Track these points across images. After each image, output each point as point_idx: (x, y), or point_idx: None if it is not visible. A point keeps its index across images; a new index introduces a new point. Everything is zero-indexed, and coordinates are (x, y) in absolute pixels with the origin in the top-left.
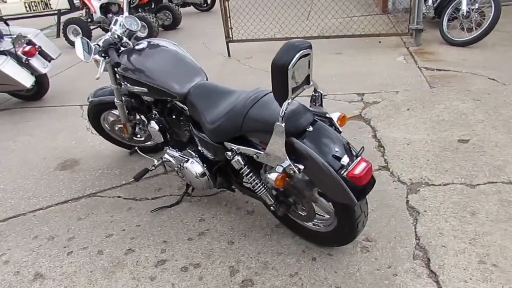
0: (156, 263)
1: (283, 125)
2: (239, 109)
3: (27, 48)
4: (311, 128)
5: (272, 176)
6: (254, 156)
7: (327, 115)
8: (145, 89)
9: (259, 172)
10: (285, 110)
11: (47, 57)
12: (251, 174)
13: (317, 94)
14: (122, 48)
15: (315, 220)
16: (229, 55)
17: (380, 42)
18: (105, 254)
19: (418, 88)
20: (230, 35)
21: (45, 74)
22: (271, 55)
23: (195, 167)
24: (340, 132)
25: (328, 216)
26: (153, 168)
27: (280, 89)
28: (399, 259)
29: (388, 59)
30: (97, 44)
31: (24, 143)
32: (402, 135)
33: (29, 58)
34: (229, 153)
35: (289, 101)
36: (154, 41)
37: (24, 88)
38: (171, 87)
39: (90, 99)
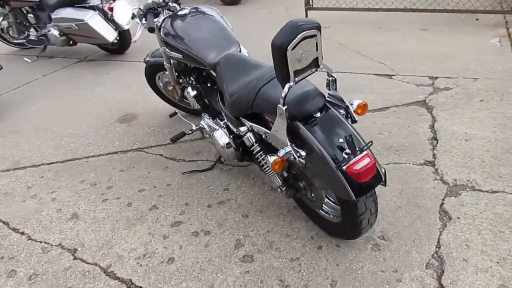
0: (173, 223)
1: (284, 108)
2: (252, 86)
3: (113, 4)
4: (318, 114)
5: (271, 159)
6: (264, 136)
7: (345, 102)
8: (180, 56)
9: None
10: (287, 93)
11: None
12: (261, 152)
13: (331, 79)
14: (168, 12)
15: (326, 208)
16: None
17: (477, 19)
18: (133, 207)
19: (503, 77)
20: (310, 2)
21: (127, 30)
22: (350, 26)
23: (222, 137)
24: (355, 121)
25: (338, 207)
26: (190, 132)
27: (280, 71)
28: (409, 264)
29: (479, 40)
30: (139, 8)
31: (98, 93)
32: (463, 129)
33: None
34: (242, 129)
35: (291, 83)
36: (198, 7)
37: (107, 42)
38: (204, 56)
39: (146, 59)
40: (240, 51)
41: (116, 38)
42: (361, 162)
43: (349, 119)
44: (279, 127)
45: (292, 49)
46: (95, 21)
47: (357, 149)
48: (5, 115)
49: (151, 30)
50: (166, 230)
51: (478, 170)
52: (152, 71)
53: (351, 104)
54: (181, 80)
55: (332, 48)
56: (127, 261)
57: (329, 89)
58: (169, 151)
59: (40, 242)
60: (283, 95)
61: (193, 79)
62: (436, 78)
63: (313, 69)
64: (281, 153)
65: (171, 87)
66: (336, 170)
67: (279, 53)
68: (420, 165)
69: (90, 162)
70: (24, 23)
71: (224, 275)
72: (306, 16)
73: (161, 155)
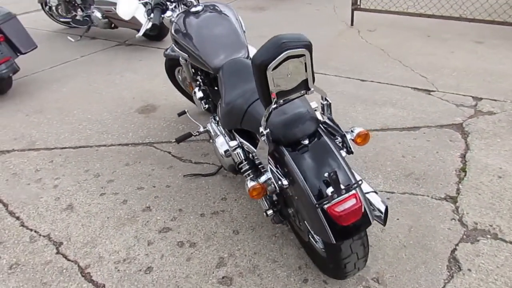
0: (162, 229)
1: (265, 131)
2: (246, 99)
3: None
4: (306, 141)
5: (249, 184)
6: (251, 155)
7: (341, 130)
8: (186, 55)
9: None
10: (267, 115)
11: None
12: (249, 172)
13: (325, 103)
14: (183, 7)
15: (317, 238)
16: (351, 24)
17: None
18: (127, 205)
19: None
20: (358, 2)
21: None
22: (397, 31)
23: (223, 145)
24: (351, 152)
25: None
26: (197, 134)
27: (261, 92)
28: None
29: None
30: (148, 2)
31: (126, 80)
32: (498, 164)
33: None
34: (231, 143)
35: (273, 106)
36: (215, 5)
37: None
38: (208, 59)
39: (166, 52)
40: (248, 57)
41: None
42: (344, 204)
43: (345, 149)
44: (261, 151)
45: (274, 68)
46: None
47: (342, 187)
48: (36, 94)
49: (155, 26)
50: (153, 236)
51: (506, 215)
52: (172, 64)
53: (352, 131)
54: (197, 77)
55: (372, 54)
56: (106, 264)
57: (323, 115)
58: (178, 149)
59: (31, 230)
60: (264, 117)
61: (200, 80)
62: (481, 99)
63: (302, 92)
64: (262, 179)
65: (188, 83)
66: (316, 208)
67: (259, 72)
68: (440, 200)
69: (99, 152)
70: (73, 2)
71: None
72: (352, 17)
73: (169, 152)
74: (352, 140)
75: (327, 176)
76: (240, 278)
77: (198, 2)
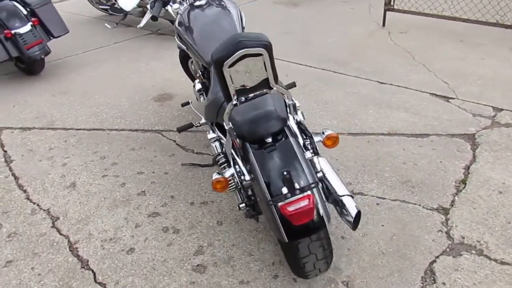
0: (151, 213)
1: (227, 127)
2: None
3: None
4: (270, 140)
5: (213, 177)
6: (224, 150)
7: (308, 132)
8: (184, 47)
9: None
10: (229, 112)
11: None
12: (224, 165)
13: (290, 103)
14: (190, 0)
15: None
16: (383, 24)
17: None
18: (124, 188)
19: None
20: (391, 3)
21: None
22: (429, 34)
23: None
24: (316, 154)
25: None
26: (198, 125)
27: (222, 88)
28: None
29: None
30: None
31: (150, 68)
32: (502, 178)
33: None
34: (210, 136)
35: (234, 102)
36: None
37: (171, 18)
38: (202, 52)
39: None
40: None
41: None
42: (296, 204)
43: (311, 151)
44: (227, 145)
45: (230, 66)
46: None
47: (297, 187)
48: (64, 76)
49: (153, 18)
50: (141, 219)
51: (497, 232)
52: (185, 55)
53: (322, 133)
54: (198, 70)
55: (397, 56)
56: (94, 241)
57: (289, 114)
58: (183, 139)
59: (34, 203)
60: (226, 114)
61: (200, 72)
62: (501, 110)
63: (264, 90)
64: (227, 173)
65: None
66: (270, 205)
67: (216, 68)
68: (431, 210)
69: (110, 135)
70: None
71: (170, 280)
72: (384, 17)
73: (175, 141)
74: (322, 142)
75: (286, 175)
76: (213, 268)
77: None
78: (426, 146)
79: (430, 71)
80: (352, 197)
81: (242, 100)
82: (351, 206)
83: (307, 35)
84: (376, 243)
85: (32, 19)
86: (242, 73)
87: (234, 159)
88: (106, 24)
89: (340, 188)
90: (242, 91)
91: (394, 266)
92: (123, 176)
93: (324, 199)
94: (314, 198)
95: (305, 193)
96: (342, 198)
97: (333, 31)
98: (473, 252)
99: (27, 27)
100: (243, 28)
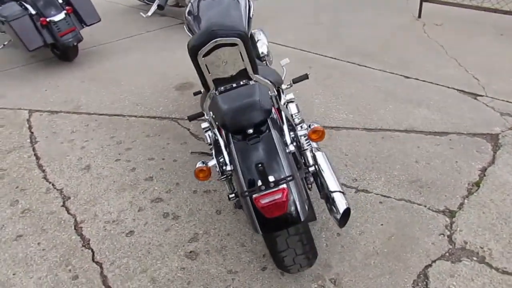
0: (155, 198)
1: (207, 117)
2: None
3: None
4: (251, 131)
5: (197, 165)
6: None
7: (292, 125)
8: (191, 35)
9: None
10: (209, 101)
11: None
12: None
13: (272, 94)
14: None
15: None
16: (419, 16)
17: None
18: (134, 173)
19: None
20: None
21: None
22: (466, 27)
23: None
24: (299, 147)
25: None
26: None
27: (200, 77)
28: None
29: None
30: None
31: (176, 57)
32: None
33: None
34: (203, 125)
35: (213, 92)
36: None
37: None
38: None
39: None
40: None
41: None
42: (270, 196)
43: (294, 144)
44: (212, 135)
45: (205, 55)
46: None
47: (272, 180)
48: (95, 63)
49: (160, 7)
50: (145, 204)
51: (505, 239)
52: None
53: (309, 126)
54: None
55: (429, 49)
56: (98, 222)
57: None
58: (197, 127)
59: (49, 183)
60: (204, 103)
61: None
62: None
63: (244, 81)
64: (211, 163)
65: None
66: (244, 196)
67: (191, 57)
68: (436, 212)
69: (129, 121)
70: None
71: (162, 264)
72: (420, 8)
73: (189, 129)
74: (307, 135)
75: (262, 168)
76: (205, 255)
77: None
78: (444, 145)
79: (461, 66)
80: (344, 194)
81: (222, 90)
82: (340, 203)
83: (338, 26)
84: (372, 242)
85: (66, 7)
86: (219, 63)
87: (218, 148)
88: (141, 13)
89: (332, 184)
90: (221, 81)
91: (387, 267)
92: (134, 161)
93: (305, 194)
94: (288, 192)
95: (280, 187)
96: (333, 194)
97: (366, 22)
98: (474, 258)
99: (61, 15)
100: (249, 18)
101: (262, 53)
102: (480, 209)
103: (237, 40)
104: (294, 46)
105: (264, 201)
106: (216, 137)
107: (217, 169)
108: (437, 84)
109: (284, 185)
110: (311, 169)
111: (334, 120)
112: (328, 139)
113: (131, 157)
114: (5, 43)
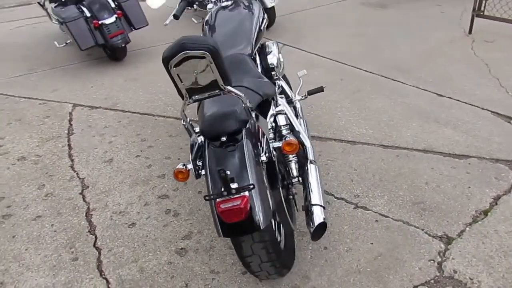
0: (162, 195)
1: (182, 123)
2: None
3: None
4: (224, 139)
5: (177, 167)
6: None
7: (264, 136)
8: None
9: None
10: (183, 109)
11: None
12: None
13: (244, 106)
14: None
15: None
16: (470, 31)
17: None
18: (149, 169)
19: None
20: (482, 8)
21: (271, 8)
22: None
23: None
24: (270, 158)
25: None
26: None
27: (174, 85)
28: None
29: None
30: None
31: None
32: None
33: None
34: (196, 129)
35: (187, 101)
36: (243, 1)
37: None
38: None
39: None
40: (251, 53)
41: None
42: (230, 202)
43: (266, 154)
44: (192, 139)
45: (175, 66)
46: None
47: (234, 187)
48: (140, 64)
49: (175, 17)
50: (152, 199)
51: (499, 273)
52: None
53: (285, 139)
54: None
55: (471, 68)
56: (107, 212)
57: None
58: None
59: (74, 171)
60: (180, 110)
61: None
62: None
63: (216, 91)
64: (189, 165)
65: None
66: (207, 200)
67: (164, 67)
68: (432, 237)
69: (157, 121)
70: None
71: (153, 256)
72: (472, 23)
73: None
74: (281, 147)
75: (229, 174)
76: (193, 253)
77: None
78: (460, 168)
79: (503, 86)
80: (324, 208)
81: (196, 99)
82: (317, 216)
83: (380, 38)
84: (357, 260)
85: (118, 12)
86: (191, 73)
87: (197, 152)
88: (193, 19)
89: (315, 198)
90: (194, 90)
91: (365, 286)
92: (152, 158)
93: (270, 204)
94: (249, 200)
95: (241, 194)
96: (313, 207)
97: (411, 36)
98: None
99: (112, 19)
100: (260, 30)
101: (272, 64)
102: (480, 239)
103: (205, 53)
104: (330, 57)
105: (224, 206)
106: (194, 142)
107: (194, 172)
108: (471, 105)
109: (246, 193)
110: (294, 180)
111: (351, 134)
112: (341, 152)
113: (150, 154)
114: (67, 41)
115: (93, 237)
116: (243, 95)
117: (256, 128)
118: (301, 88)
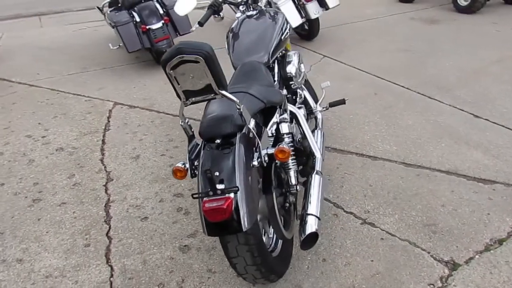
0: (177, 193)
1: (181, 123)
2: None
3: None
4: (219, 141)
5: (176, 164)
6: None
7: (258, 143)
8: (227, 51)
9: None
10: (181, 110)
11: (324, 5)
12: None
13: (239, 111)
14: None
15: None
16: None
17: None
18: (171, 168)
19: None
20: None
21: (315, 20)
22: None
23: None
24: (261, 164)
25: None
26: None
27: (172, 87)
28: None
29: None
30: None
31: None
32: None
33: (305, 3)
34: None
35: (185, 102)
36: (269, 10)
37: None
38: (233, 58)
39: None
40: (268, 61)
41: (298, 25)
42: (214, 202)
43: (258, 160)
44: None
45: (172, 68)
46: (286, 6)
47: (220, 188)
48: None
49: (199, 24)
50: (167, 196)
51: None
52: None
53: (278, 145)
54: None
55: None
56: (124, 204)
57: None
58: None
59: (103, 164)
60: (180, 111)
61: None
62: None
63: (211, 95)
64: (188, 164)
65: None
66: (195, 198)
67: (163, 69)
68: (438, 261)
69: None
70: None
71: (157, 250)
72: None
73: None
74: (274, 154)
75: (217, 175)
76: (195, 251)
77: (269, 6)
78: (483, 194)
79: None
80: (319, 219)
81: (193, 101)
82: (310, 226)
83: (425, 54)
84: (353, 276)
85: (165, 18)
86: (187, 76)
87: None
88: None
89: (312, 208)
90: (190, 92)
91: None
92: (176, 158)
93: (255, 207)
94: (233, 201)
95: (226, 195)
96: (308, 216)
97: (458, 53)
98: None
99: (159, 24)
100: (280, 40)
101: (290, 73)
102: (489, 269)
103: (199, 58)
104: (368, 70)
105: (208, 205)
106: (191, 142)
107: (189, 171)
108: (508, 128)
109: (231, 195)
110: (292, 189)
111: (374, 149)
112: (359, 167)
113: (174, 154)
114: (120, 44)
115: (108, 226)
116: (237, 100)
117: (252, 133)
118: (323, 99)
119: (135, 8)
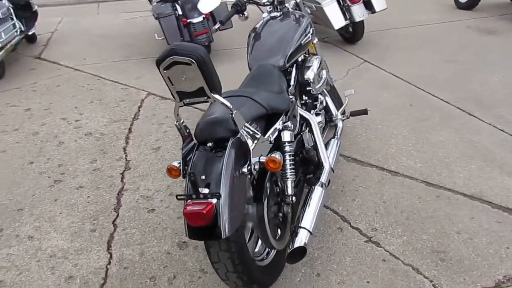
0: None
1: (176, 123)
2: None
3: None
4: (210, 144)
5: (171, 163)
6: None
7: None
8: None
9: None
10: (177, 111)
11: (370, 8)
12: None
13: (232, 117)
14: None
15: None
16: None
17: None
18: None
19: None
20: None
21: (360, 22)
22: None
23: None
24: (250, 172)
25: None
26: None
27: (167, 87)
28: None
29: None
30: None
31: None
32: None
33: (350, 5)
34: None
35: (178, 103)
36: (294, 13)
37: (332, 28)
38: (250, 59)
39: None
40: (284, 65)
41: (341, 27)
42: (195, 206)
43: (248, 167)
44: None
45: (165, 69)
46: (330, 7)
47: (204, 192)
48: (219, 63)
49: (221, 22)
50: (177, 191)
51: None
52: None
53: (270, 155)
54: None
55: None
56: (136, 194)
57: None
58: None
59: (125, 153)
60: (174, 111)
61: None
62: None
63: (205, 98)
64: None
65: None
66: (179, 200)
67: (158, 68)
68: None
69: None
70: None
71: (157, 243)
72: None
73: None
74: (265, 162)
75: (204, 179)
76: (192, 249)
77: (297, 8)
78: (506, 225)
79: None
80: (311, 233)
81: (186, 102)
82: (299, 240)
83: (474, 67)
84: None
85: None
86: (180, 78)
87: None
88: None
89: (306, 221)
90: (184, 94)
91: None
92: None
93: (239, 215)
94: (214, 207)
95: (208, 200)
96: (300, 229)
97: (510, 68)
98: None
99: (199, 18)
100: (300, 44)
101: (308, 79)
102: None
103: (191, 61)
104: (408, 79)
105: (189, 208)
106: (185, 143)
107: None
108: None
109: (214, 200)
110: (287, 199)
111: (396, 164)
112: (377, 181)
113: None
114: None
115: (116, 214)
116: (230, 105)
117: (244, 139)
118: (345, 107)
119: (179, 1)
